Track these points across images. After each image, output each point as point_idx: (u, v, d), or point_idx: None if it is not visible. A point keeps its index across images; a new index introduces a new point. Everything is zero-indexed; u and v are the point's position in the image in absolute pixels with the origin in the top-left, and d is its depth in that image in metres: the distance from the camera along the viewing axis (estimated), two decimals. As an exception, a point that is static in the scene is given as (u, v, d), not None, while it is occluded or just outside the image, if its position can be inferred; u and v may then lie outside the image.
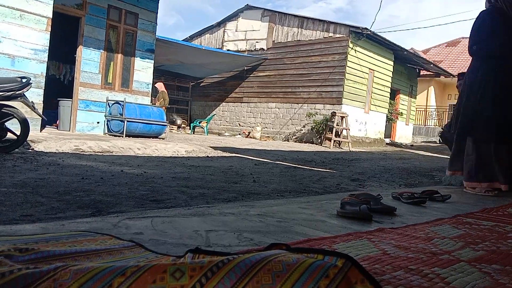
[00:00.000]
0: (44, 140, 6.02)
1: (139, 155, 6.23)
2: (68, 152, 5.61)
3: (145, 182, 3.41)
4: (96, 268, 0.80)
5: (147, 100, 10.07)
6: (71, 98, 8.83)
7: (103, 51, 9.16)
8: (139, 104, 9.41)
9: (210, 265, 0.81)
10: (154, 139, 8.97)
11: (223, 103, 16.44)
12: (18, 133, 4.93)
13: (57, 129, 9.02)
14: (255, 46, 15.34)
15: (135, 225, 1.51)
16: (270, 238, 1.47)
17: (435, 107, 23.27)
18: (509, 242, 1.64)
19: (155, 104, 11.76)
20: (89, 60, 8.92)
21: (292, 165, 6.10)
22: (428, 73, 20.11)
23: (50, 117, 9.02)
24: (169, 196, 2.81)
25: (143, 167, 4.56)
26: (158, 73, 14.23)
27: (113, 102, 9.09)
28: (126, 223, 1.53)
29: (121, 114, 8.72)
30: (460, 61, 23.41)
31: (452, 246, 1.50)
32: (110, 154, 5.96)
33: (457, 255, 1.37)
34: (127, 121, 8.65)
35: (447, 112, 22.21)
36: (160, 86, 12.81)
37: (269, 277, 0.80)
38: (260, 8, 15.54)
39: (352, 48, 13.21)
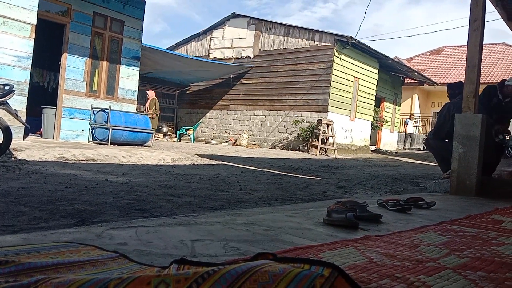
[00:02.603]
0: (27, 148, 5.92)
1: (124, 163, 6.17)
2: (51, 161, 5.52)
3: (130, 190, 3.38)
4: (78, 280, 0.78)
5: (132, 108, 9.99)
6: (55, 106, 8.71)
7: (88, 58, 9.08)
8: (125, 111, 9.33)
9: (195, 277, 0.80)
10: (140, 147, 8.89)
11: (210, 110, 16.41)
12: (0, 141, 4.84)
13: (40, 137, 8.88)
14: (241, 54, 15.38)
15: (119, 235, 1.49)
16: (257, 247, 1.46)
17: (419, 115, 23.59)
18: (493, 248, 1.66)
19: (146, 112, 11.73)
20: (73, 68, 8.83)
21: (278, 172, 6.10)
22: (412, 81, 20.40)
23: (34, 125, 8.85)
24: (154, 205, 2.78)
25: (128, 175, 4.51)
26: (144, 81, 14.15)
27: (98, 109, 8.99)
28: (110, 233, 1.50)
29: (106, 122, 8.63)
30: (443, 69, 23.82)
31: (438, 253, 1.51)
32: (95, 162, 5.89)
33: (443, 262, 1.38)
34: (112, 129, 8.56)
35: (431, 120, 22.51)
36: (151, 93, 12.81)
37: (255, 288, 0.79)
38: (246, 16, 15.61)
39: (337, 57, 13.35)
